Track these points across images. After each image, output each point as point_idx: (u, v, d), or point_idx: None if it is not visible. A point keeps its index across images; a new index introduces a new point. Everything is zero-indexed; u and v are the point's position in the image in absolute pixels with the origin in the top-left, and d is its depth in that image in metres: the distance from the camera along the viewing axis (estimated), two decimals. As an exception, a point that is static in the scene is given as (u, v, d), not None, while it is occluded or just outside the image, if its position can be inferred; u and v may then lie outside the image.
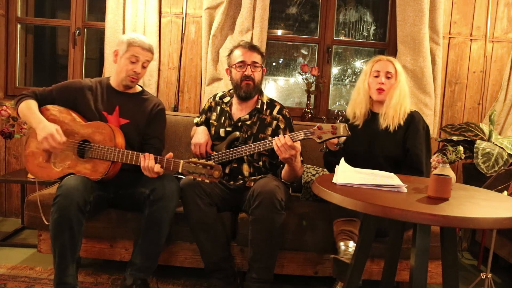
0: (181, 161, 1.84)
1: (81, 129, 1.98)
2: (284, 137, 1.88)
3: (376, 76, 2.11)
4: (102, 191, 1.95)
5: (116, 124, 2.05)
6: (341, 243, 1.86)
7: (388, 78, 2.09)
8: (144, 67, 2.09)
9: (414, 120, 2.09)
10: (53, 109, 2.03)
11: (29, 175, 2.48)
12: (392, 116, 2.07)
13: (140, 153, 1.89)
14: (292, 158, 1.91)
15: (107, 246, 2.15)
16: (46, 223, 2.01)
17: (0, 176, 2.79)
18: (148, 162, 1.85)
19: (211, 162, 1.82)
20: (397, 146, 2.08)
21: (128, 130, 2.05)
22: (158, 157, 1.87)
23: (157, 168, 1.85)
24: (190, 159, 1.83)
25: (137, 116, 2.10)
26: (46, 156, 1.98)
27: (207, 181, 1.82)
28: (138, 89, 2.20)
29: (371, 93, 2.13)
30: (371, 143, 2.11)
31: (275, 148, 1.90)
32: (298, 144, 1.91)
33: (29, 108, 1.97)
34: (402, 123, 2.08)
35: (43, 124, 1.92)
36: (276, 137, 1.92)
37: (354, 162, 1.80)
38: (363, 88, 2.14)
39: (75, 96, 2.07)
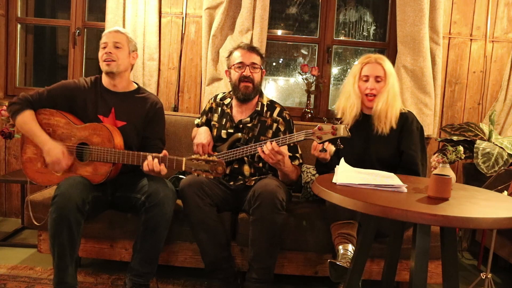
0: (184, 159, 1.82)
1: (78, 132, 1.94)
2: (271, 143, 1.91)
3: (366, 81, 2.05)
4: (100, 192, 1.94)
5: None
6: (340, 247, 1.84)
7: (378, 81, 2.04)
8: (117, 48, 1.99)
9: (407, 121, 2.05)
10: (45, 112, 1.97)
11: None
12: (383, 121, 2.03)
13: (142, 153, 1.88)
14: (280, 163, 1.95)
15: (107, 246, 2.15)
16: (36, 223, 2.03)
17: (0, 176, 2.79)
18: (152, 163, 1.84)
19: (213, 158, 1.81)
20: (391, 149, 2.05)
21: (125, 132, 2.00)
22: (161, 156, 1.85)
23: (161, 167, 1.84)
24: (192, 156, 1.82)
25: (133, 116, 2.05)
26: (44, 161, 1.94)
27: (211, 177, 1.81)
28: (133, 86, 2.12)
29: (361, 97, 2.07)
30: (365, 146, 2.07)
31: (262, 155, 1.94)
32: (284, 149, 1.94)
33: (27, 123, 1.92)
34: (394, 126, 2.03)
35: (49, 146, 1.89)
36: (261, 146, 1.94)
37: (349, 164, 1.78)
38: (353, 91, 2.07)
39: (72, 97, 2.01)
